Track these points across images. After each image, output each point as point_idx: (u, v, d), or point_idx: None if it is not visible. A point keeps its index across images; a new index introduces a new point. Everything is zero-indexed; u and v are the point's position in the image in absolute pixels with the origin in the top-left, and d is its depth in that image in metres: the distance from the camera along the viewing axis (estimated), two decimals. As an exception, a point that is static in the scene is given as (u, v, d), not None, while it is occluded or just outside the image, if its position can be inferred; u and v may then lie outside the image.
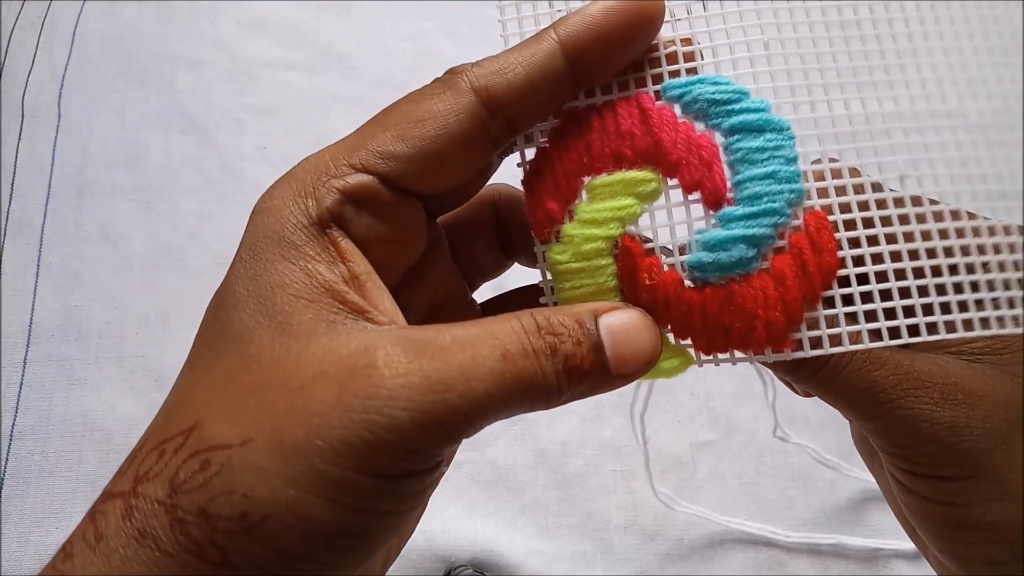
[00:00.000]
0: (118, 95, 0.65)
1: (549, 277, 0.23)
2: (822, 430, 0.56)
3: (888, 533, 0.53)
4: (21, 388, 0.55)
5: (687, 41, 0.23)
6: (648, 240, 0.23)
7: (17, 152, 0.62)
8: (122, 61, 0.66)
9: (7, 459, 0.53)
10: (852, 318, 0.21)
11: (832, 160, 0.22)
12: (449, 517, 0.52)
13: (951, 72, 0.26)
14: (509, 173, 0.25)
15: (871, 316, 0.21)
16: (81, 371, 0.56)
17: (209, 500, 0.19)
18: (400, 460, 0.19)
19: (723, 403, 0.56)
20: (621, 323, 0.21)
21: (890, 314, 0.21)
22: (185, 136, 0.64)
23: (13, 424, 0.54)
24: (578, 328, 0.21)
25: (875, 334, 0.21)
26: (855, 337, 0.21)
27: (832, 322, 0.21)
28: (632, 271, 0.22)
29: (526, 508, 0.53)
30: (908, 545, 0.53)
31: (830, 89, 0.23)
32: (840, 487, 0.54)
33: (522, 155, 0.24)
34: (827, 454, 0.54)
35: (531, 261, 0.26)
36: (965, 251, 0.22)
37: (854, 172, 0.22)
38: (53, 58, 0.66)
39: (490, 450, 0.54)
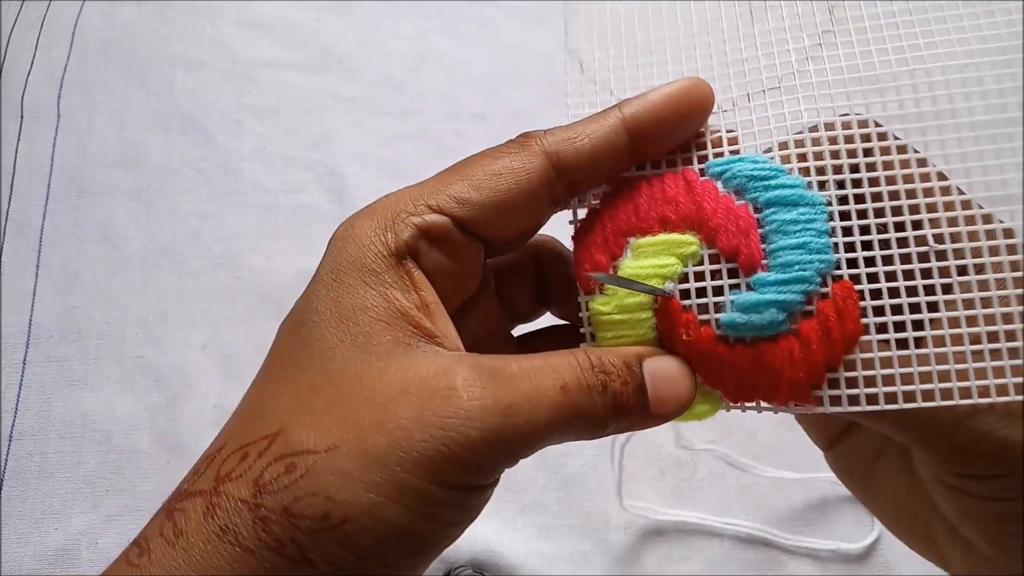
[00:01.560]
0: (117, 95, 0.65)
1: (589, 325, 0.25)
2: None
3: (888, 533, 0.53)
4: (20, 389, 0.55)
5: (732, 132, 0.26)
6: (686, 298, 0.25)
7: (16, 152, 0.62)
8: (121, 62, 0.66)
9: (7, 460, 0.53)
10: (871, 380, 0.23)
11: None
12: (449, 517, 0.52)
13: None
14: (552, 227, 0.27)
15: (889, 380, 0.23)
16: (80, 372, 0.56)
17: (293, 500, 0.20)
18: (469, 474, 0.21)
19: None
20: (663, 369, 0.24)
21: (907, 379, 0.23)
22: (184, 136, 0.64)
23: (12, 425, 0.54)
24: (626, 369, 0.23)
25: (890, 397, 0.23)
26: (872, 399, 0.23)
27: (852, 383, 0.23)
28: (671, 325, 0.24)
29: (526, 508, 0.53)
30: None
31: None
32: (840, 487, 0.54)
33: (574, 214, 0.26)
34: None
35: (563, 311, 0.30)
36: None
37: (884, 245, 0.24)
38: (52, 59, 0.66)
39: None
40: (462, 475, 0.21)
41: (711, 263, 0.24)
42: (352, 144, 0.63)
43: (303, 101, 0.65)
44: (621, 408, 0.23)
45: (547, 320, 0.32)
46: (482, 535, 0.52)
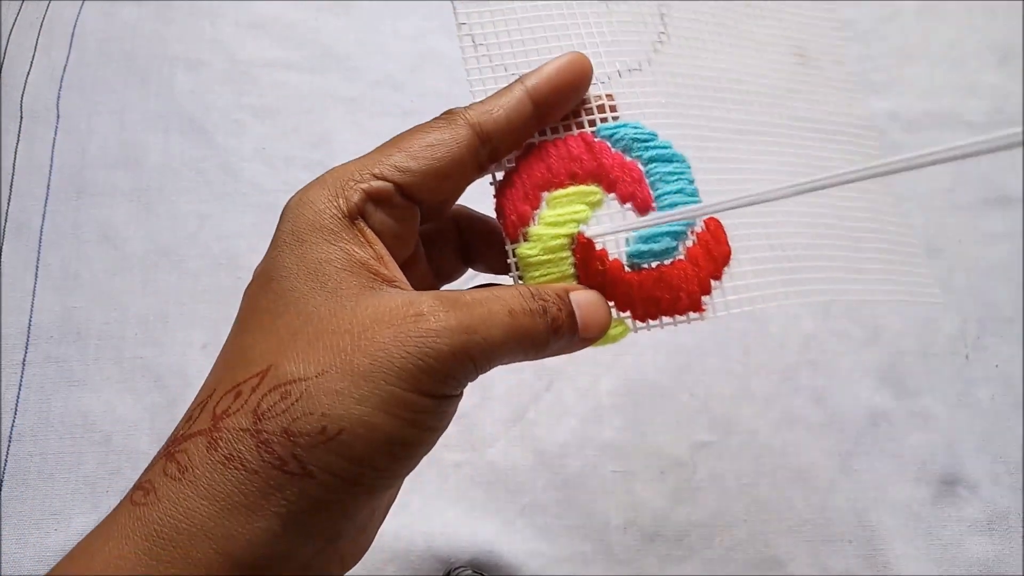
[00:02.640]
0: (117, 96, 0.65)
1: (517, 269, 0.30)
2: (821, 431, 0.56)
3: (887, 533, 0.53)
4: (20, 389, 0.55)
5: (610, 96, 0.31)
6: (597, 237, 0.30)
7: (16, 153, 0.62)
8: (121, 62, 0.66)
9: (6, 460, 0.53)
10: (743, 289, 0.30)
11: None
12: (449, 518, 0.52)
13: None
14: (468, 198, 0.32)
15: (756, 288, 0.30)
16: (80, 372, 0.56)
17: (292, 421, 0.23)
18: (442, 383, 0.25)
19: (722, 404, 0.56)
20: (586, 299, 0.28)
21: (764, 286, 0.30)
22: (184, 137, 0.64)
23: (12, 425, 0.54)
24: (559, 298, 0.28)
25: (755, 299, 0.30)
26: (746, 303, 0.29)
27: (729, 292, 0.30)
28: (587, 260, 0.29)
29: (525, 509, 0.53)
30: (908, 546, 0.53)
31: (708, 137, 0.31)
32: (840, 487, 0.54)
33: (494, 177, 0.30)
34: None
35: (486, 266, 0.35)
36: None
37: None
38: (52, 59, 0.65)
39: (490, 451, 0.54)
40: (436, 384, 0.25)
41: (614, 208, 0.30)
42: (352, 144, 0.63)
43: (303, 101, 0.65)
44: (558, 330, 0.27)
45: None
46: (482, 535, 0.52)
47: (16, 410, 0.55)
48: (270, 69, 0.67)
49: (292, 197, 0.28)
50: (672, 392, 0.56)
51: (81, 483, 0.53)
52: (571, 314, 0.28)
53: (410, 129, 0.29)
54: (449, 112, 0.29)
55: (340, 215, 0.27)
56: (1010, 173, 0.64)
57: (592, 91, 0.31)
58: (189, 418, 0.25)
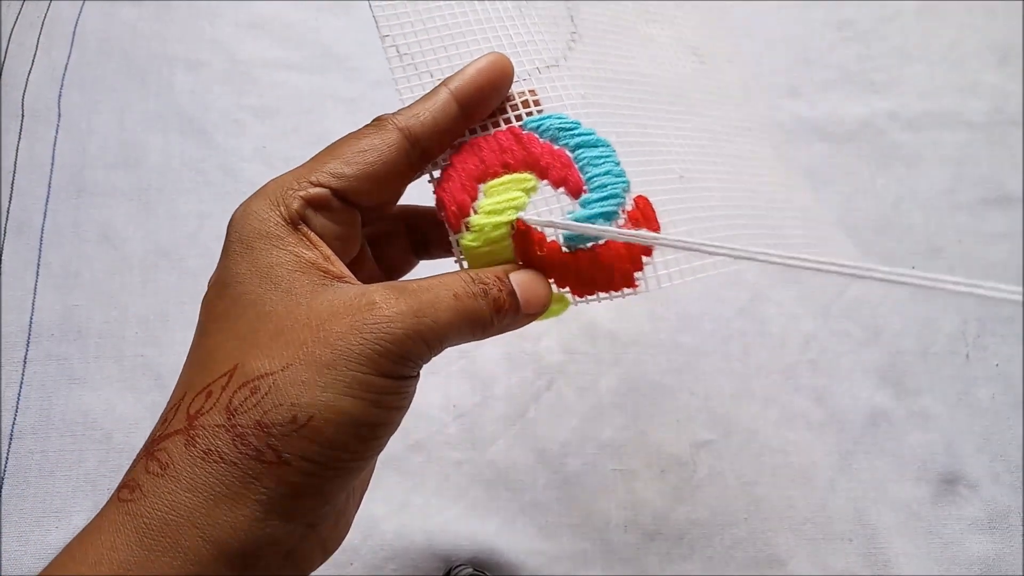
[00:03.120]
0: (117, 95, 0.65)
1: (462, 258, 0.31)
2: (821, 430, 0.56)
3: (888, 532, 0.53)
4: (21, 387, 0.55)
5: (532, 92, 0.33)
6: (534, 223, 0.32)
7: (17, 152, 0.62)
8: (121, 62, 0.66)
9: (7, 458, 0.53)
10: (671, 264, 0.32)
11: None
12: (449, 517, 0.52)
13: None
14: (411, 197, 0.34)
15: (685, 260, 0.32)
16: (81, 370, 0.56)
17: (263, 414, 0.25)
18: (399, 364, 0.26)
19: (722, 403, 0.56)
20: (525, 278, 0.30)
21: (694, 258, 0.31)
22: (184, 137, 0.64)
23: (13, 423, 0.54)
24: (498, 280, 0.29)
25: (681, 274, 0.32)
26: (676, 276, 0.31)
27: (661, 267, 0.31)
28: (526, 246, 0.31)
29: (526, 508, 0.53)
30: (908, 545, 0.53)
31: (628, 123, 0.34)
32: (840, 487, 0.54)
33: (431, 175, 0.32)
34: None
35: (440, 254, 0.37)
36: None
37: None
38: (52, 58, 0.66)
39: (490, 450, 0.54)
40: (395, 366, 0.26)
41: (547, 193, 0.31)
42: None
43: (303, 101, 0.66)
44: (500, 309, 0.29)
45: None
46: (482, 534, 0.52)
47: (17, 408, 0.55)
48: (270, 69, 0.67)
49: (236, 210, 0.29)
50: (673, 391, 0.56)
51: (82, 481, 0.53)
52: (511, 293, 0.29)
53: (343, 137, 0.31)
54: (378, 119, 0.31)
55: (283, 221, 0.28)
56: (1010, 173, 0.65)
57: (515, 88, 0.32)
58: (164, 420, 0.26)
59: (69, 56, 0.66)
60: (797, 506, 0.53)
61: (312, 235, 0.28)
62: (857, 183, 0.64)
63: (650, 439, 0.55)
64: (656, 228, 0.31)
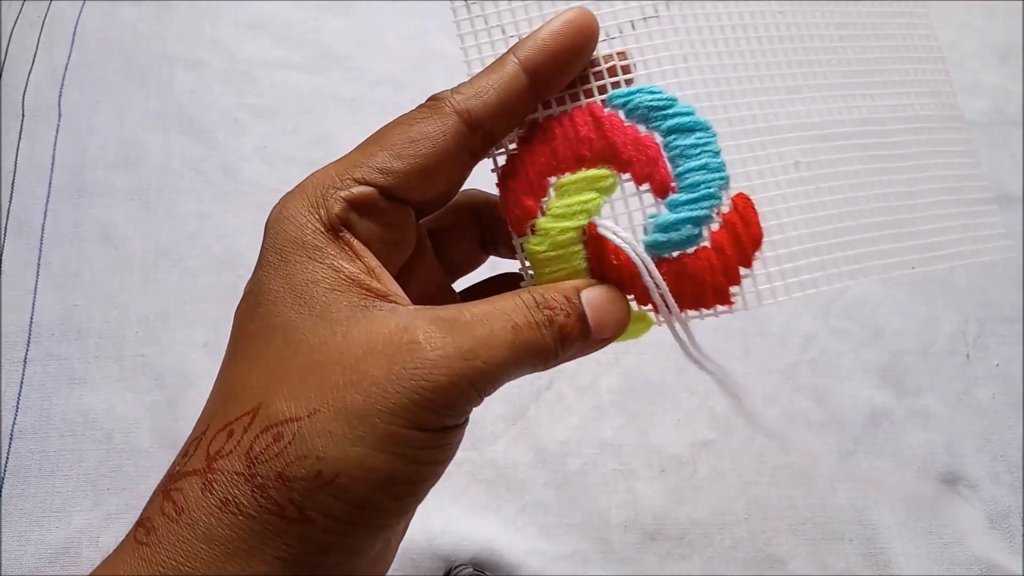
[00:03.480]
0: (117, 95, 0.65)
1: (527, 265, 0.27)
2: (821, 430, 0.56)
3: (888, 532, 0.53)
4: (21, 387, 0.55)
5: (623, 55, 0.27)
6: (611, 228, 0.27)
7: (17, 152, 0.62)
8: (121, 61, 0.66)
9: (7, 458, 0.53)
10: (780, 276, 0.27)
11: None
12: (449, 516, 0.52)
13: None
14: (478, 179, 0.29)
15: (792, 273, 0.27)
16: (81, 370, 0.56)
17: (286, 466, 0.22)
18: (442, 416, 0.23)
19: (723, 402, 0.56)
20: (598, 297, 0.26)
21: (805, 270, 0.26)
22: (184, 136, 0.64)
23: (13, 423, 0.54)
24: (567, 302, 0.25)
25: (795, 287, 0.27)
26: (781, 291, 0.27)
27: (763, 281, 0.27)
28: (601, 254, 0.26)
29: (526, 507, 0.53)
30: (908, 545, 0.53)
31: (738, 95, 0.27)
32: (840, 486, 0.54)
33: (495, 162, 0.27)
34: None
35: (510, 253, 0.30)
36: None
37: None
38: (53, 58, 0.66)
39: (490, 449, 0.54)
40: (436, 417, 0.23)
41: (628, 192, 0.27)
42: (352, 144, 0.63)
43: (303, 101, 0.66)
44: (567, 338, 0.25)
45: (481, 274, 0.34)
46: (482, 534, 0.52)
47: (17, 408, 0.55)
48: (270, 69, 0.67)
49: (273, 210, 0.26)
50: (673, 390, 0.56)
51: (82, 481, 0.53)
52: (581, 317, 0.25)
53: (393, 122, 0.27)
54: (434, 99, 0.27)
55: (322, 228, 0.25)
56: (1010, 173, 0.64)
57: (601, 49, 0.27)
58: (185, 454, 0.24)
59: (69, 56, 0.66)
60: (797, 506, 0.53)
61: (355, 243, 0.25)
62: (857, 182, 0.64)
63: (650, 439, 0.55)
64: (758, 236, 0.26)
